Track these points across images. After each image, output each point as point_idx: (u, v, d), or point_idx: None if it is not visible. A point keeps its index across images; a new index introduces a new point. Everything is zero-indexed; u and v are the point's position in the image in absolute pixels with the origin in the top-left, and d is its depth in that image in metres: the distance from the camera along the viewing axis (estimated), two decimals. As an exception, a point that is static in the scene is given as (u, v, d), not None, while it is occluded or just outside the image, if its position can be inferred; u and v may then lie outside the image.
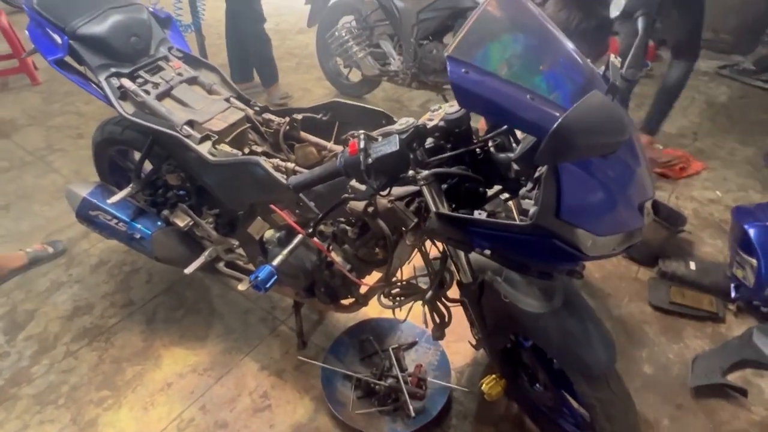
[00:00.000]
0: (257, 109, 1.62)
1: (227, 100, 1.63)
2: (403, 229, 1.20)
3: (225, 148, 1.47)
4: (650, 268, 2.22)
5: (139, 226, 1.71)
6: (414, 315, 1.50)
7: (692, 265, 2.12)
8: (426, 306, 1.35)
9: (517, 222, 0.91)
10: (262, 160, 1.31)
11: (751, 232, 1.98)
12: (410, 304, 1.39)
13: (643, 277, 2.18)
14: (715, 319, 1.97)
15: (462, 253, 1.23)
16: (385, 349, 1.84)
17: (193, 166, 1.52)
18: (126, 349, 1.94)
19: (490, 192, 1.14)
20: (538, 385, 1.44)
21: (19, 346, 1.95)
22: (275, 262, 1.33)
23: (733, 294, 2.01)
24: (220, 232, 1.67)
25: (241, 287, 1.67)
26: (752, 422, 1.64)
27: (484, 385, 1.44)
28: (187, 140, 1.46)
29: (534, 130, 0.86)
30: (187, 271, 1.66)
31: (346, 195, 1.12)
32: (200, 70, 1.70)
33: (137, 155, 1.75)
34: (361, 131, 1.02)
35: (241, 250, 1.73)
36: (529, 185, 1.01)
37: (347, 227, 1.38)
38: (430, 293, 1.28)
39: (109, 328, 2.02)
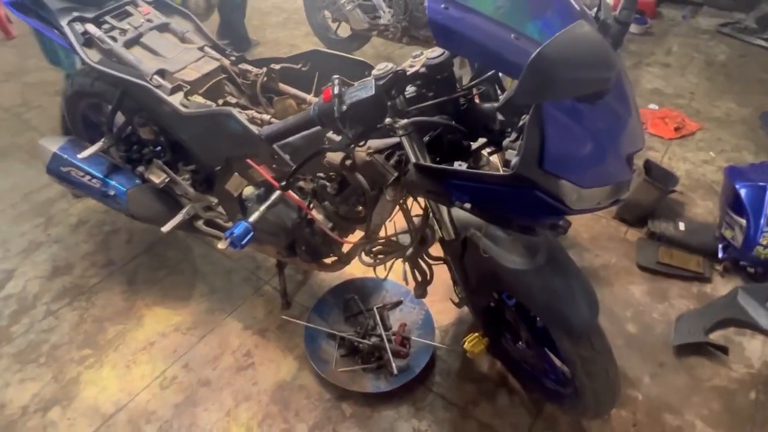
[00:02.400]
0: (233, 59, 1.53)
1: (201, 49, 1.54)
2: (383, 184, 1.15)
3: (198, 99, 1.40)
4: (639, 229, 2.19)
5: (113, 182, 1.64)
6: (398, 274, 1.47)
7: (681, 226, 2.10)
8: (407, 264, 1.32)
9: (498, 173, 0.87)
10: (235, 111, 1.24)
11: (743, 192, 1.95)
12: (391, 262, 1.36)
13: (632, 237, 2.16)
14: (701, 279, 1.96)
15: (444, 210, 1.18)
16: (369, 308, 1.83)
17: (166, 119, 1.45)
18: (107, 308, 1.91)
19: (474, 145, 1.09)
20: (520, 343, 1.43)
21: (-3, 306, 1.92)
22: (251, 219, 1.29)
23: (720, 254, 1.99)
24: (198, 189, 1.62)
25: (220, 246, 1.61)
26: (732, 379, 1.65)
27: (466, 343, 1.43)
28: (157, 91, 1.38)
29: (517, 71, 0.80)
30: (164, 229, 1.61)
31: (323, 146, 1.07)
32: (172, 16, 1.60)
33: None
34: (336, 76, 0.96)
35: (220, 208, 1.68)
36: (513, 135, 0.95)
37: (327, 183, 1.32)
38: (410, 251, 1.25)
39: (89, 287, 1.99)
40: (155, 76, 1.40)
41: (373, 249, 1.36)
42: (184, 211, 1.64)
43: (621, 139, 0.90)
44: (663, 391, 1.62)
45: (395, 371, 1.61)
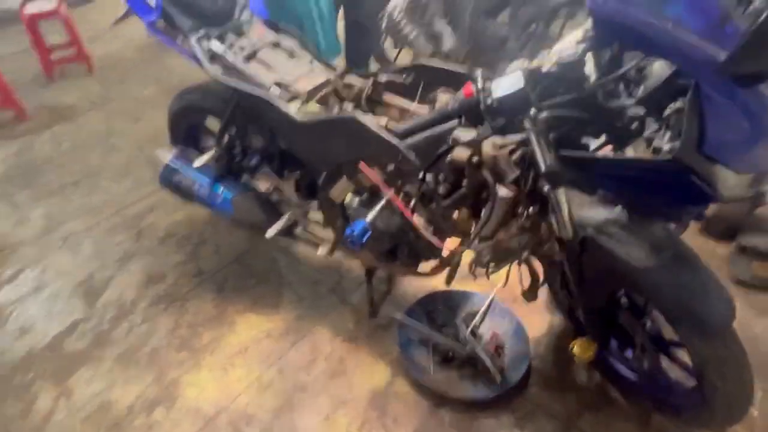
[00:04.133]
0: (339, 72, 1.62)
1: (309, 62, 1.64)
2: (498, 183, 1.17)
3: (312, 107, 1.48)
4: (727, 244, 2.13)
5: (221, 189, 1.73)
6: (482, 286, 1.46)
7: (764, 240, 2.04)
8: (519, 267, 1.33)
9: (653, 157, 0.88)
10: (359, 115, 1.31)
11: (843, 203, 1.89)
12: (507, 268, 1.36)
13: (722, 252, 2.11)
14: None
15: (566, 207, 1.19)
16: (456, 319, 1.83)
17: (280, 127, 1.53)
18: (200, 315, 1.98)
19: (594, 144, 1.12)
20: (629, 350, 1.40)
21: (98, 312, 2.01)
22: (368, 218, 1.34)
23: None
24: (301, 195, 1.69)
25: (320, 252, 1.69)
26: None
27: (575, 347, 1.41)
28: (276, 100, 1.47)
29: (681, 57, 0.83)
30: (269, 234, 1.68)
31: (456, 137, 1.10)
32: (280, 34, 1.71)
33: (210, 126, 1.77)
34: (479, 72, 1.01)
35: (318, 216, 1.74)
36: (654, 126, 0.98)
37: (436, 185, 1.36)
38: (526, 252, 1.25)
39: (182, 295, 2.06)
40: (273, 87, 1.50)
41: (485, 256, 1.37)
42: (285, 216, 1.71)
43: (771, 126, 0.91)
44: (779, 407, 1.54)
45: (498, 378, 1.59)
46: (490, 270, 1.36)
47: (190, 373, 1.77)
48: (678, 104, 0.92)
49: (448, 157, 1.21)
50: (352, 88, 1.61)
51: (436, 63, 1.51)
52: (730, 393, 1.15)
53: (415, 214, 1.41)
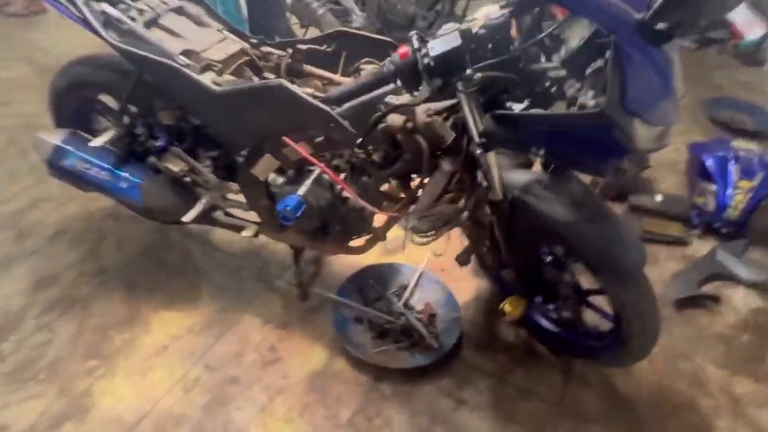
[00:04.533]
0: (254, 41, 1.51)
1: (220, 31, 1.51)
2: (438, 153, 1.17)
3: (228, 78, 1.37)
4: (621, 203, 2.38)
5: (125, 174, 1.54)
6: (410, 258, 1.47)
7: (658, 198, 2.30)
8: (460, 231, 1.35)
9: (582, 112, 0.93)
10: (283, 81, 1.23)
11: (709, 162, 2.19)
12: (444, 233, 1.37)
13: (617, 211, 2.34)
14: (683, 243, 2.16)
15: (496, 170, 1.23)
16: (389, 292, 1.84)
17: (193, 101, 1.40)
18: (108, 317, 1.77)
19: (517, 108, 1.16)
20: (551, 305, 1.50)
21: (-24, 326, 1.72)
22: (301, 192, 1.28)
23: (695, 220, 2.20)
24: (219, 176, 1.56)
25: (245, 233, 1.58)
26: (727, 325, 1.82)
27: (506, 306, 1.48)
28: (186, 70, 1.34)
29: (602, 16, 0.88)
30: (186, 219, 1.54)
31: (390, 102, 1.08)
32: (183, 0, 1.55)
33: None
34: (413, 32, 0.99)
35: (239, 198, 1.62)
36: (576, 86, 1.03)
37: (367, 156, 1.33)
38: (465, 214, 1.28)
39: (83, 297, 1.83)
40: (181, 56, 1.36)
41: (423, 225, 1.37)
42: (203, 200, 1.57)
43: (675, 83, 1.00)
44: (672, 341, 1.75)
45: (435, 344, 1.63)
46: (429, 237, 1.37)
47: (102, 380, 1.58)
48: (598, 63, 0.98)
49: (381, 125, 1.19)
50: (269, 59, 1.52)
51: (359, 31, 1.47)
52: (643, 330, 1.28)
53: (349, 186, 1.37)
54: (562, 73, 1.08)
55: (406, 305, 1.78)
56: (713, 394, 1.59)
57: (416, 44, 0.97)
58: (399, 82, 1.03)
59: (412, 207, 1.32)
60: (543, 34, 1.05)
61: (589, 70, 0.99)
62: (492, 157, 1.18)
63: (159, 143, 1.53)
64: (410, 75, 0.98)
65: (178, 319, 1.77)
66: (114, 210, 2.12)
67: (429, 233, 1.36)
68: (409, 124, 1.14)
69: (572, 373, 1.64)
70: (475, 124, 1.10)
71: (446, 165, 1.18)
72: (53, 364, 1.62)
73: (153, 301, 1.83)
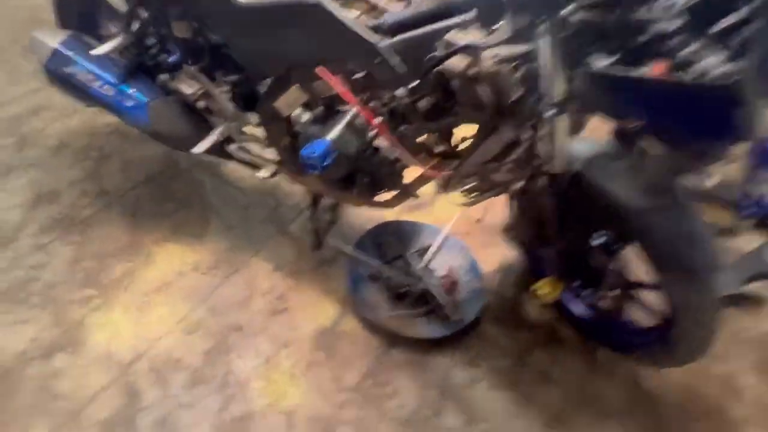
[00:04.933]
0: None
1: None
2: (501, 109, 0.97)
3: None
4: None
5: (131, 90, 1.36)
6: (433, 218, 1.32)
7: (712, 180, 2.10)
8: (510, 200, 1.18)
9: (713, 82, 0.73)
10: (323, 0, 1.02)
11: (777, 149, 1.96)
12: (488, 198, 1.21)
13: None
14: (730, 234, 1.98)
15: (562, 138, 1.04)
16: (410, 251, 1.70)
17: (212, 13, 1.19)
18: (108, 243, 1.66)
19: (598, 62, 0.95)
20: (595, 290, 1.36)
21: (-32, 237, 1.61)
22: (331, 136, 1.10)
23: (747, 211, 2.01)
24: (237, 105, 1.38)
25: (261, 174, 1.42)
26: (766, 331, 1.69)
27: (541, 287, 1.34)
28: (207, -27, 1.12)
29: None
30: (197, 150, 1.37)
31: (450, 40, 0.88)
32: None
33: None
34: None
35: (257, 132, 1.45)
36: (692, 45, 0.82)
37: (413, 102, 1.14)
38: (520, 184, 1.10)
39: (83, 219, 1.71)
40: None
41: (465, 185, 1.20)
42: (218, 130, 1.40)
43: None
44: (707, 340, 1.63)
45: (454, 315, 1.51)
46: (472, 200, 1.20)
47: (98, 312, 1.49)
48: (730, 20, 0.76)
49: (440, 69, 0.99)
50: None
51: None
52: (697, 338, 1.14)
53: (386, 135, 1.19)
54: (673, 26, 0.86)
55: (426, 268, 1.65)
56: (746, 403, 1.48)
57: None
58: (473, 14, 0.82)
59: (456, 164, 1.14)
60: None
61: (715, 28, 0.77)
62: (563, 123, 0.99)
63: (171, 58, 1.33)
64: (492, 5, 0.77)
65: (183, 254, 1.66)
66: (120, 127, 1.95)
67: (471, 195, 1.20)
68: (472, 71, 0.94)
69: (596, 363, 1.53)
70: (556, 80, 0.90)
71: (507, 129, 0.99)
72: (47, 289, 1.53)
73: (157, 231, 1.71)
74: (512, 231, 1.29)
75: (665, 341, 1.22)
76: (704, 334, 1.13)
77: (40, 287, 1.52)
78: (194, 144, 1.41)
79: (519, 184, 1.10)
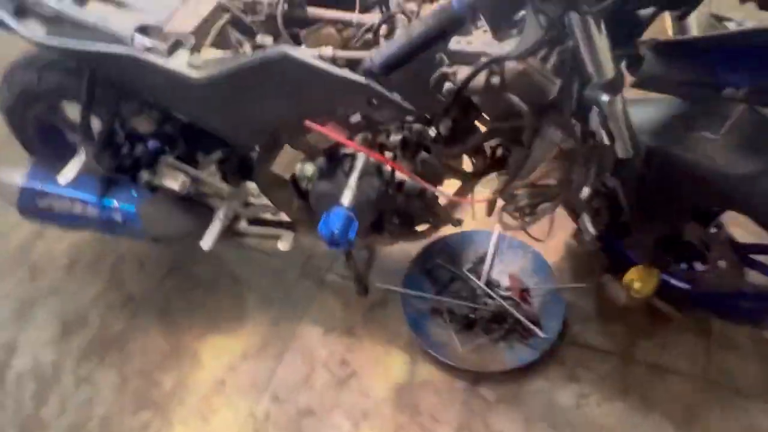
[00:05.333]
0: (230, -11, 1.08)
1: (182, -16, 1.08)
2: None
3: (211, 53, 0.97)
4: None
5: (114, 203, 1.21)
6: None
7: None
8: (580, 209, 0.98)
9: None
10: (289, 48, 0.83)
11: None
12: (548, 214, 1.00)
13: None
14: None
15: (623, 119, 0.83)
16: (464, 268, 1.51)
17: (168, 95, 1.02)
18: (149, 355, 1.54)
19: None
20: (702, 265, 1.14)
21: (11, 392, 1.52)
22: (346, 201, 0.92)
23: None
24: (231, 181, 1.21)
25: (281, 246, 1.26)
26: None
27: (634, 280, 1.14)
28: (148, 57, 0.94)
29: None
30: (206, 245, 1.22)
31: (459, 52, 0.69)
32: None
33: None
34: None
35: (264, 200, 1.28)
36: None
37: (427, 126, 0.94)
38: (586, 190, 0.88)
39: (117, 336, 1.60)
40: (137, 36, 0.96)
41: (520, 200, 1.00)
42: (220, 214, 1.24)
43: None
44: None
45: (536, 329, 1.32)
46: (527, 221, 1.00)
47: (160, 435, 1.38)
48: None
49: (447, 85, 0.79)
50: (258, 9, 1.09)
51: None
52: None
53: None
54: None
55: (488, 283, 1.47)
56: None
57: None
58: (478, 20, 0.62)
59: (502, 184, 0.95)
60: None
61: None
62: (620, 103, 0.78)
63: (147, 154, 1.17)
64: (503, 4, 0.58)
65: (228, 345, 1.53)
66: (125, 225, 1.83)
67: (527, 215, 1.00)
68: (495, 79, 0.74)
69: (712, 337, 1.32)
70: (602, 57, 0.69)
71: (555, 133, 0.79)
72: (104, 424, 1.42)
73: (194, 326, 1.58)
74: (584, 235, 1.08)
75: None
76: None
77: (96, 426, 1.42)
78: (200, 233, 1.26)
79: (585, 190, 0.88)
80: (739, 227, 1.10)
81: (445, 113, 0.86)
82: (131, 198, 1.21)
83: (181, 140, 1.14)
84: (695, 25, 0.79)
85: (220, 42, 1.06)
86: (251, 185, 1.26)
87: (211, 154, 1.16)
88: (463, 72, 0.76)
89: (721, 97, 0.63)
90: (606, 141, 0.84)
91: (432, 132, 0.91)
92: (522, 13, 0.63)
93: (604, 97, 0.75)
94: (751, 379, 1.23)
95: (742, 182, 0.82)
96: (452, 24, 0.62)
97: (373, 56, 0.68)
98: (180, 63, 0.95)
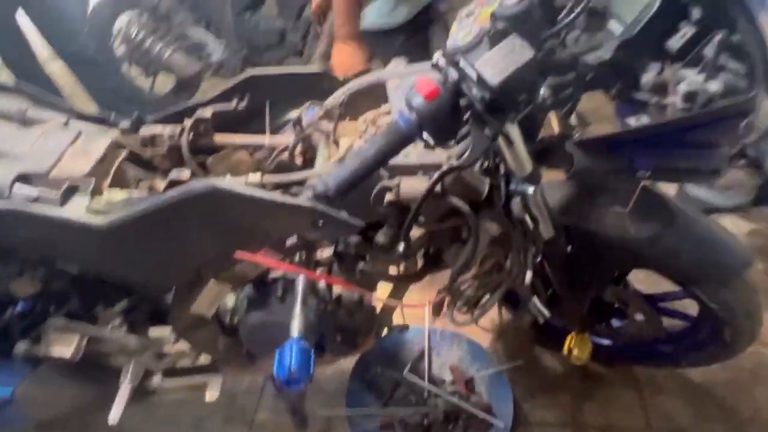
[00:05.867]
0: (126, 125, 1.00)
1: (66, 124, 0.97)
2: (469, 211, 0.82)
3: (115, 195, 0.86)
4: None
5: (-16, 390, 0.95)
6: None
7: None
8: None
9: (733, 101, 0.63)
10: (217, 180, 0.77)
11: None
12: (494, 304, 1.02)
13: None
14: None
15: (541, 204, 0.91)
16: (404, 372, 1.45)
17: (62, 246, 0.87)
18: None
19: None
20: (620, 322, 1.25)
21: None
22: (296, 331, 0.85)
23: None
24: (142, 330, 1.04)
25: (210, 396, 1.09)
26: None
27: (573, 349, 1.19)
28: (33, 207, 0.81)
29: None
30: (113, 419, 0.99)
31: (452, 165, 0.71)
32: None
33: None
34: (439, 54, 0.61)
35: (182, 345, 1.11)
36: (654, 68, 0.74)
37: (356, 240, 0.93)
38: (528, 274, 0.92)
39: None
40: (17, 186, 0.82)
41: (465, 294, 1.00)
42: (129, 374, 1.03)
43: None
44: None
45: (497, 422, 1.28)
46: (475, 315, 1.01)
47: None
48: (688, 31, 0.69)
49: (389, 197, 0.80)
50: (158, 142, 1.02)
51: (277, 69, 1.05)
52: (751, 325, 1.06)
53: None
54: (607, 55, 0.77)
55: (432, 381, 1.41)
56: None
57: (453, 73, 0.60)
58: (426, 137, 0.65)
59: (449, 283, 0.95)
60: (582, 5, 0.72)
61: (675, 44, 0.69)
62: (540, 191, 0.86)
63: (25, 319, 0.96)
64: (447, 121, 0.61)
65: None
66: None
67: (475, 309, 1.01)
68: (438, 186, 0.76)
69: (642, 385, 1.42)
70: (523, 156, 0.76)
71: (491, 225, 0.83)
72: None
73: None
74: (519, 319, 1.13)
75: (716, 339, 1.13)
76: (755, 317, 1.06)
77: None
78: (103, 403, 1.03)
79: (528, 275, 0.93)
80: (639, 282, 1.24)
81: (386, 223, 0.85)
82: (6, 378, 0.96)
83: (74, 295, 0.96)
84: (576, 121, 0.93)
85: (120, 181, 0.96)
86: (164, 331, 1.09)
87: (113, 306, 0.99)
88: (405, 183, 0.78)
89: (635, 178, 0.73)
90: (530, 225, 0.92)
91: (381, 237, 0.89)
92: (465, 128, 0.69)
93: (530, 189, 0.82)
94: (689, 417, 1.32)
95: (649, 244, 0.93)
96: (402, 143, 0.64)
97: (325, 181, 0.66)
98: (77, 210, 0.82)
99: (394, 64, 0.98)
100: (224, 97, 1.04)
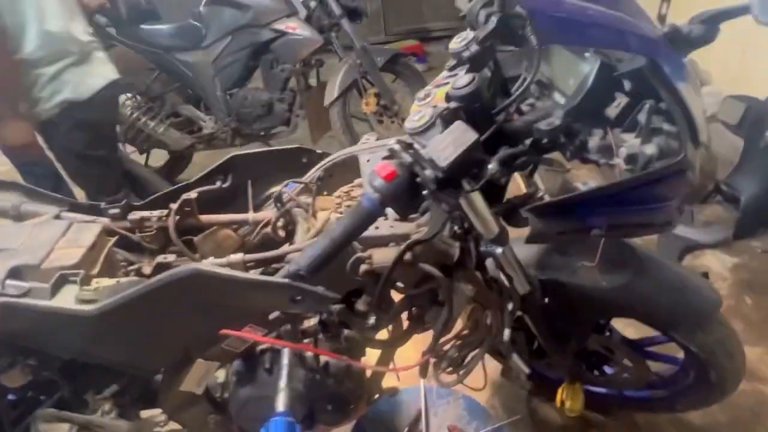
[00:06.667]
0: (116, 211, 1.05)
1: (58, 217, 1.02)
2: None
3: (103, 282, 0.89)
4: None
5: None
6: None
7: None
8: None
9: (666, 166, 0.69)
10: (199, 264, 0.81)
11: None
12: (478, 362, 1.03)
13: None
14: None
15: (514, 262, 0.94)
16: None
17: (53, 336, 0.89)
18: None
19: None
20: (607, 368, 1.25)
21: None
22: (281, 405, 0.86)
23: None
24: (132, 414, 1.04)
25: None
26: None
27: (565, 400, 1.19)
28: (24, 301, 0.84)
29: (644, 46, 0.66)
30: None
31: (418, 238, 0.75)
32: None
33: None
34: (396, 141, 0.67)
35: (172, 425, 1.11)
36: (597, 133, 0.80)
37: (339, 309, 0.96)
38: (507, 331, 0.95)
39: None
40: (9, 282, 0.86)
41: (450, 356, 1.02)
42: (120, 460, 1.03)
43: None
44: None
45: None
46: (461, 375, 1.02)
47: None
48: (622, 101, 0.75)
49: (363, 268, 0.83)
50: (147, 226, 1.07)
51: (256, 150, 1.12)
52: (736, 365, 1.07)
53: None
54: (557, 122, 0.83)
55: (432, 443, 1.40)
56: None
57: (406, 156, 0.66)
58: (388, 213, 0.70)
59: (432, 345, 0.97)
60: (528, 82, 0.79)
61: (612, 112, 0.76)
62: (508, 251, 0.90)
63: (17, 409, 0.97)
64: (406, 198, 0.66)
65: None
66: None
67: (458, 368, 1.02)
68: (408, 256, 0.81)
69: (639, 427, 1.40)
70: (487, 221, 0.81)
71: (465, 287, 0.87)
72: None
73: None
74: (511, 372, 1.14)
75: (703, 381, 1.13)
76: (738, 357, 1.07)
77: None
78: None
79: (506, 332, 0.95)
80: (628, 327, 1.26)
81: (364, 291, 0.89)
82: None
83: (63, 383, 0.97)
84: (540, 181, 0.99)
85: (110, 268, 1.00)
86: (154, 413, 1.09)
87: (103, 391, 1.00)
88: (377, 254, 0.82)
89: (591, 236, 0.77)
90: (505, 283, 0.96)
91: (361, 305, 0.92)
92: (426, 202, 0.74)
93: (498, 250, 0.87)
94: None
95: (621, 293, 0.96)
96: (367, 220, 0.69)
97: (298, 260, 0.70)
98: (66, 300, 0.85)
99: (364, 139, 1.05)
100: (208, 178, 1.10)
